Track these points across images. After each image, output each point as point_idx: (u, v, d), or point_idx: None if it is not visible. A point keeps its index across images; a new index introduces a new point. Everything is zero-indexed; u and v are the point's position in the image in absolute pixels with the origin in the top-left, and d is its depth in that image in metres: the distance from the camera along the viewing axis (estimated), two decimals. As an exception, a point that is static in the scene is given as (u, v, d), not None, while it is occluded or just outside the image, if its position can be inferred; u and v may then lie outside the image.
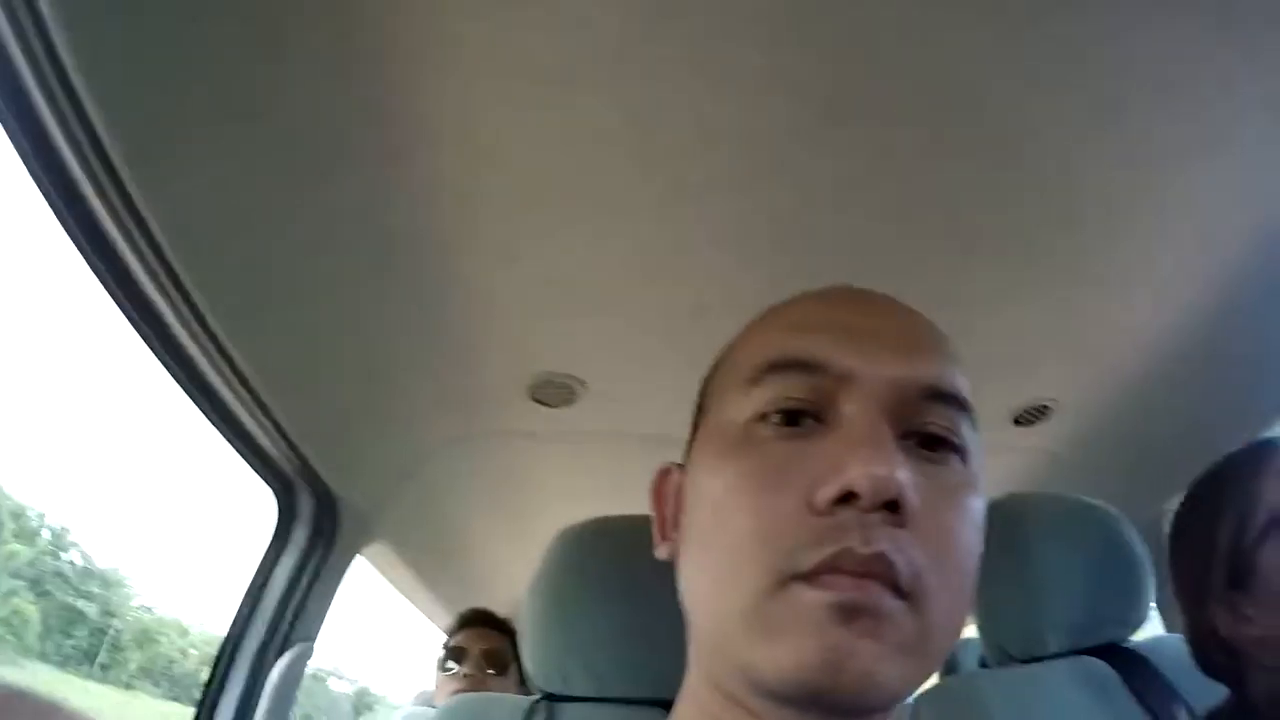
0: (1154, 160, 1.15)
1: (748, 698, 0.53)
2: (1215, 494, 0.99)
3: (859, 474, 0.48)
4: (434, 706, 2.09)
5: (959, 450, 0.55)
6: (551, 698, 0.97)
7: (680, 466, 0.65)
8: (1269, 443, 1.00)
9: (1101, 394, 1.69)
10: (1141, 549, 1.18)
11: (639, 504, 0.75)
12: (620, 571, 0.92)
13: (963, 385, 0.56)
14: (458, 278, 1.33)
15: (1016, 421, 1.76)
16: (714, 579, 0.54)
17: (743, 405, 0.56)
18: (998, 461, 1.88)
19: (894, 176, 1.18)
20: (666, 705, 0.65)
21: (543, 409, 1.59)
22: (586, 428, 1.67)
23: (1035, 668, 1.14)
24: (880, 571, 0.48)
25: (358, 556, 1.84)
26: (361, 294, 1.29)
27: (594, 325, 1.41)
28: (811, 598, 0.48)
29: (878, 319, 0.58)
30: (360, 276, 1.27)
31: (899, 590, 0.48)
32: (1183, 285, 1.40)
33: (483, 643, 2.08)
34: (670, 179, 1.16)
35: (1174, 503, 1.80)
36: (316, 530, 1.65)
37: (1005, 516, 1.16)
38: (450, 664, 2.07)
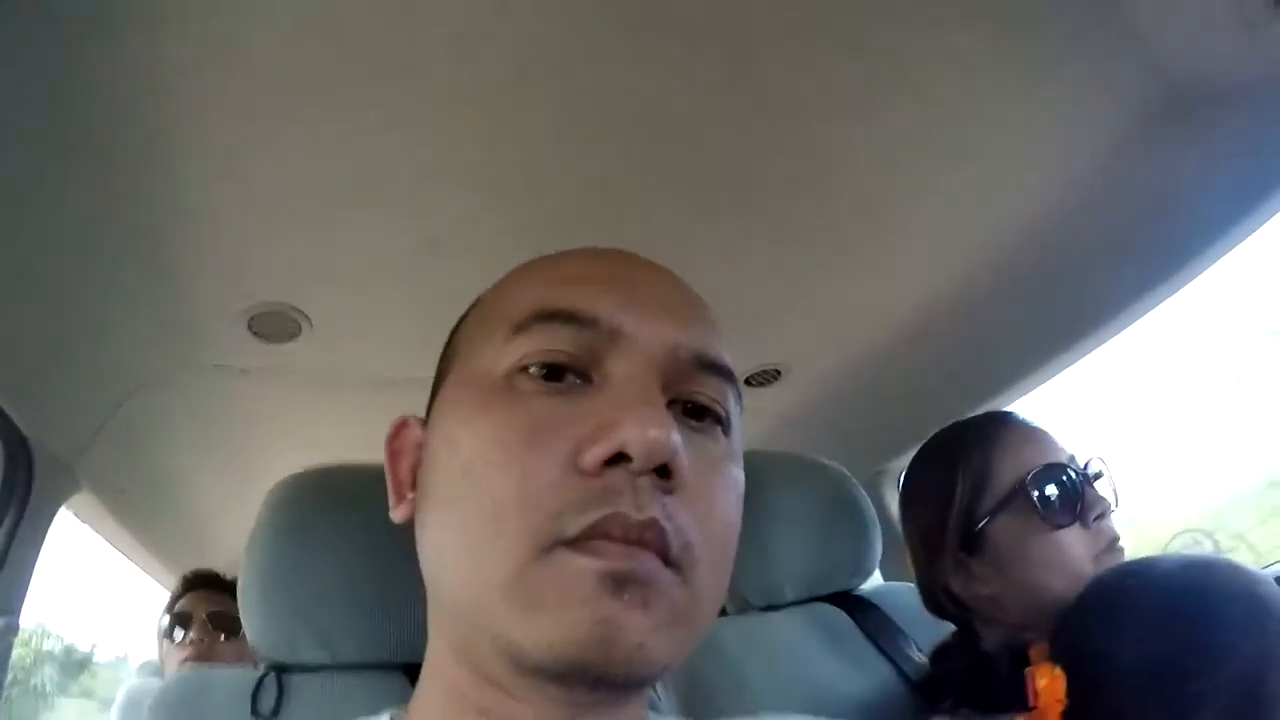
0: (904, 155, 1.22)
1: (505, 675, 0.49)
2: (950, 458, 1.04)
3: (634, 435, 0.45)
4: (161, 677, 1.94)
5: (723, 422, 0.54)
6: (281, 669, 0.87)
7: (421, 420, 0.60)
8: (1005, 415, 1.07)
9: (831, 361, 1.79)
10: (868, 504, 1.27)
11: (369, 452, 0.69)
12: (348, 526, 0.83)
13: (729, 357, 0.55)
14: (167, 191, 1.16)
15: (749, 382, 1.83)
16: (467, 544, 0.49)
17: (502, 355, 0.52)
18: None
19: (650, 130, 1.16)
20: (412, 670, 0.62)
21: (262, 344, 1.45)
22: (310, 367, 1.54)
23: (773, 615, 1.20)
24: (652, 539, 0.46)
25: (63, 510, 1.63)
26: (51, 204, 1.11)
27: (318, 254, 1.29)
28: (580, 565, 0.45)
29: (652, 282, 0.57)
30: (51, 185, 1.08)
31: (668, 560, 0.46)
32: (918, 270, 1.51)
33: (208, 605, 1.93)
34: (406, 91, 1.04)
35: (895, 463, 2.02)
36: (8, 482, 1.42)
37: (761, 472, 1.22)
38: (176, 630, 1.91)
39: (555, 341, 0.51)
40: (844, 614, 1.22)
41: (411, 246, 1.30)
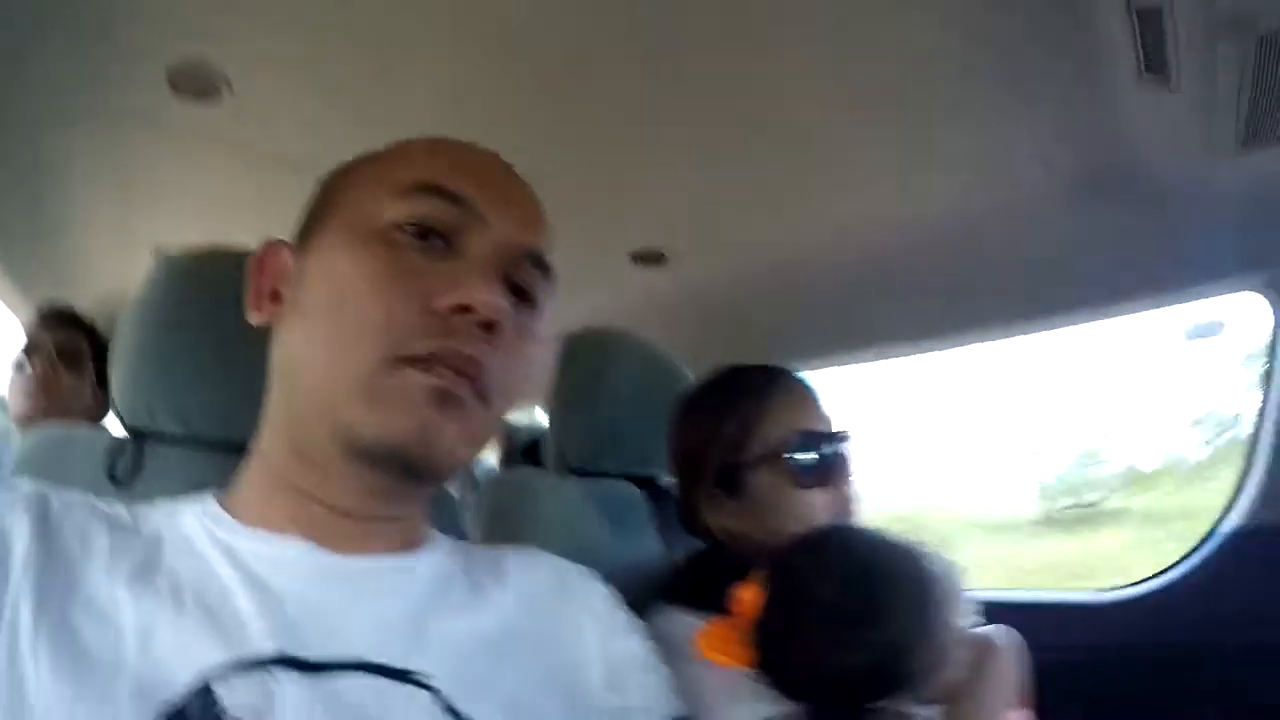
0: (827, 114, 1.43)
1: (333, 459, 0.62)
2: (729, 398, 1.14)
3: (480, 296, 0.61)
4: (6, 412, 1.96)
5: (536, 304, 0.70)
6: (138, 435, 0.90)
7: (290, 246, 0.72)
8: (784, 374, 1.16)
9: (713, 257, 1.95)
10: None
11: (263, 231, 0.76)
12: (223, 310, 0.81)
13: (545, 249, 0.72)
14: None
15: (634, 259, 1.98)
16: (331, 350, 0.62)
17: (386, 209, 0.64)
18: (616, 293, 2.12)
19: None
20: None
21: (179, 100, 1.42)
22: (225, 134, 1.53)
23: (585, 480, 1.33)
24: (472, 372, 0.61)
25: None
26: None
27: (244, 12, 1.26)
28: (417, 379, 0.59)
29: (514, 184, 0.72)
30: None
31: (478, 390, 0.62)
32: (816, 214, 1.76)
33: (56, 336, 1.95)
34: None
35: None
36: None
37: (592, 348, 1.38)
38: (24, 362, 1.93)
39: (432, 209, 0.65)
40: (643, 497, 1.35)
41: (341, 40, 1.30)
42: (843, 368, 2.28)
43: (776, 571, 0.91)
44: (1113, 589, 1.99)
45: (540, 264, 0.70)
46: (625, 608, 0.81)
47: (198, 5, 1.25)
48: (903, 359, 2.26)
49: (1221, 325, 1.96)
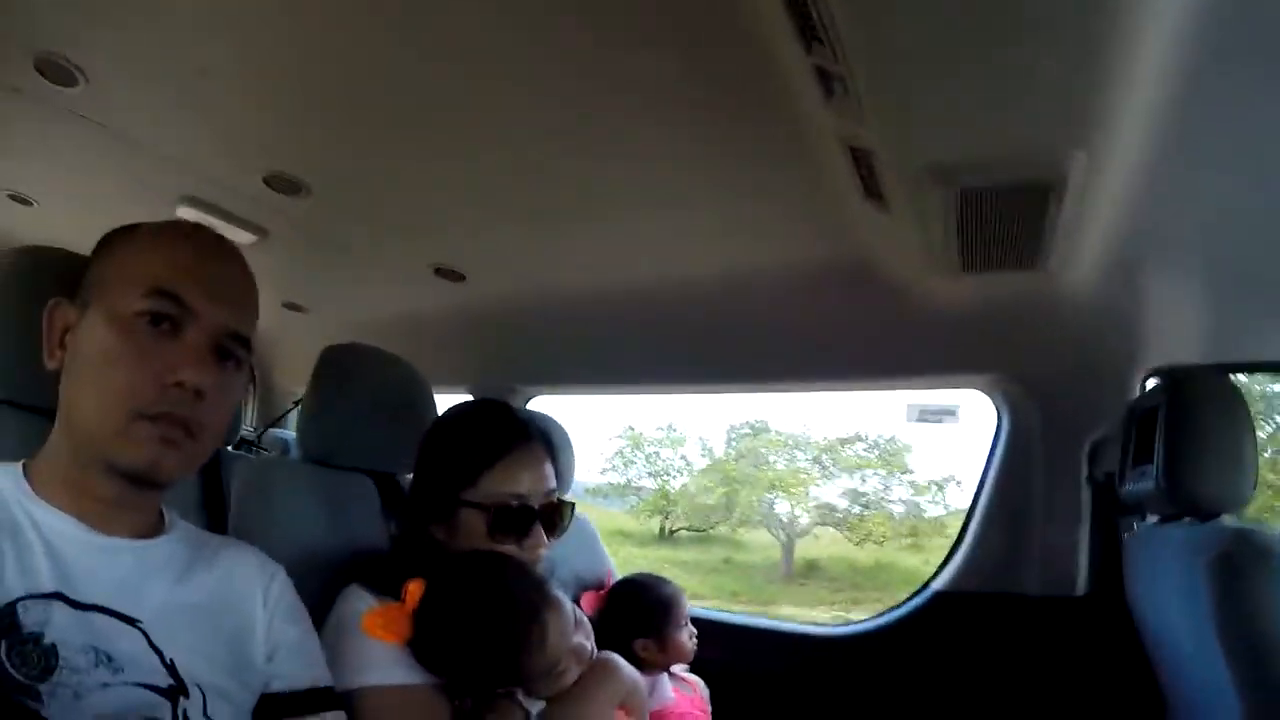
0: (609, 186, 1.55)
1: (96, 471, 0.90)
2: (472, 437, 1.32)
3: (189, 375, 0.89)
4: None
5: (240, 364, 0.97)
6: None
7: (73, 302, 0.95)
8: (526, 432, 1.33)
9: (503, 281, 2.10)
10: (431, 406, 1.54)
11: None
12: (42, 301, 0.97)
13: (248, 327, 0.97)
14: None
15: (437, 273, 2.09)
16: (93, 404, 0.89)
17: (133, 303, 0.90)
18: (416, 296, 2.22)
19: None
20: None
21: (45, 83, 1.48)
22: (81, 112, 1.57)
23: (325, 470, 1.46)
24: (184, 423, 0.89)
25: None
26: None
27: (100, 14, 1.31)
28: (150, 430, 0.88)
29: (228, 283, 0.97)
30: None
31: (190, 433, 0.90)
32: (599, 255, 1.90)
33: None
34: None
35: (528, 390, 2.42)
36: None
37: (342, 357, 1.52)
38: None
39: (163, 307, 0.90)
40: (375, 488, 1.50)
41: (193, 40, 1.35)
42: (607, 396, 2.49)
43: (438, 577, 1.17)
44: (828, 626, 2.24)
45: (241, 340, 0.96)
46: (296, 600, 1.07)
47: (56, 3, 1.30)
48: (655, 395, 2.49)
49: (956, 410, 2.17)
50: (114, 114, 1.58)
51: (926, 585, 2.13)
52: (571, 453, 2.06)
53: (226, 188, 1.78)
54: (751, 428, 10.53)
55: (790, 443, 10.58)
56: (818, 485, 10.30)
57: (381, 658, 1.12)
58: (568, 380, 2.48)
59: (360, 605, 1.15)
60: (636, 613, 1.72)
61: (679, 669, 1.81)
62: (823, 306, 1.92)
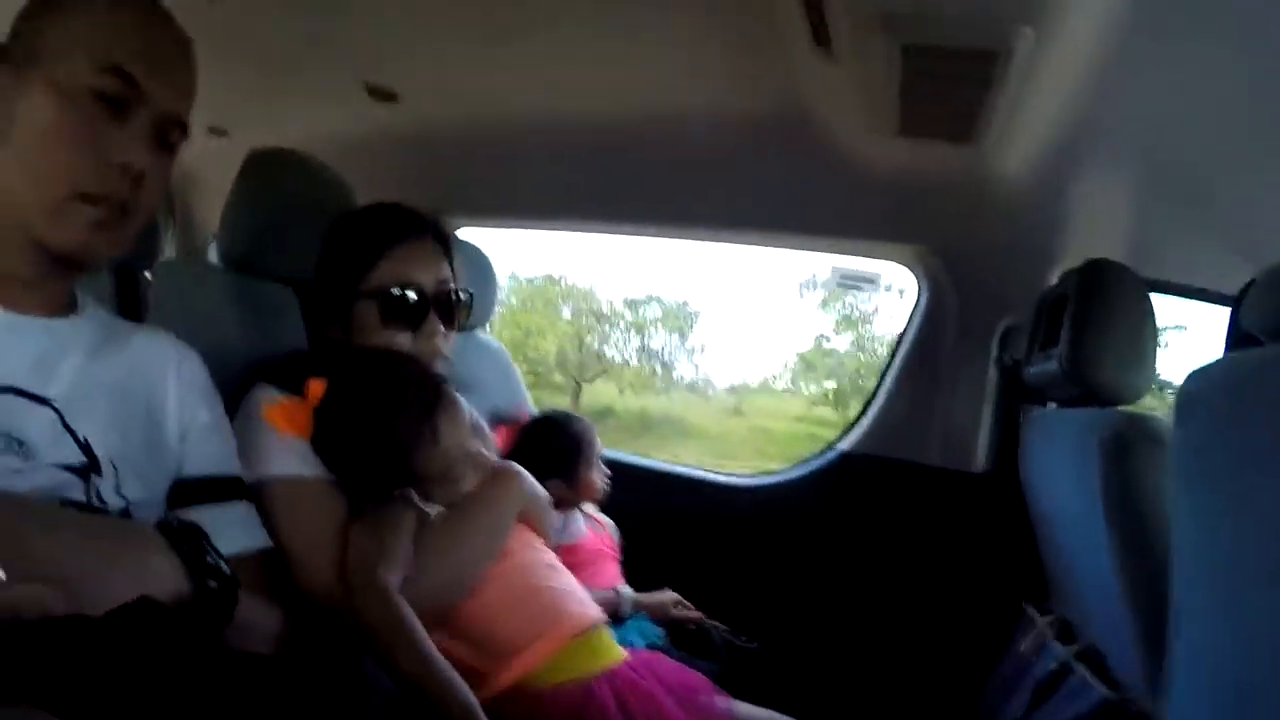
0: None
1: (21, 251, 0.87)
2: (361, 233, 1.30)
3: (133, 158, 0.86)
4: None
5: (174, 149, 0.93)
6: None
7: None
8: (419, 223, 1.32)
9: (438, 103, 2.02)
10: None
11: None
12: None
13: (188, 112, 0.93)
14: None
15: (370, 92, 1.99)
16: (29, 179, 0.84)
17: (81, 76, 0.84)
18: (352, 121, 2.14)
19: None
20: None
21: None
22: None
23: (246, 278, 1.42)
24: (121, 206, 0.87)
25: None
26: None
27: None
28: (87, 211, 0.85)
29: (177, 64, 0.93)
30: None
31: (125, 212, 0.88)
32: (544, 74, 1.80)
33: None
34: None
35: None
36: None
37: (268, 163, 1.47)
38: None
39: (113, 87, 0.85)
40: (293, 296, 1.46)
41: None
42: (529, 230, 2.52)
43: (337, 375, 1.16)
44: (738, 475, 2.32)
45: (181, 125, 0.93)
46: (209, 384, 1.06)
47: None
48: (575, 233, 2.49)
49: (876, 279, 2.18)
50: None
51: (833, 444, 2.20)
52: (494, 282, 2.04)
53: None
54: (548, 279, 10.43)
55: (582, 296, 10.56)
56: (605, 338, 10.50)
57: (282, 450, 1.12)
58: (493, 212, 2.41)
59: (266, 398, 1.16)
60: (549, 449, 1.73)
61: (590, 509, 1.85)
62: (757, 157, 1.89)
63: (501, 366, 2.08)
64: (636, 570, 1.79)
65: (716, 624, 1.82)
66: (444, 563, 1.12)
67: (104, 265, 0.95)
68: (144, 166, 0.87)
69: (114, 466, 0.87)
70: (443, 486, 1.18)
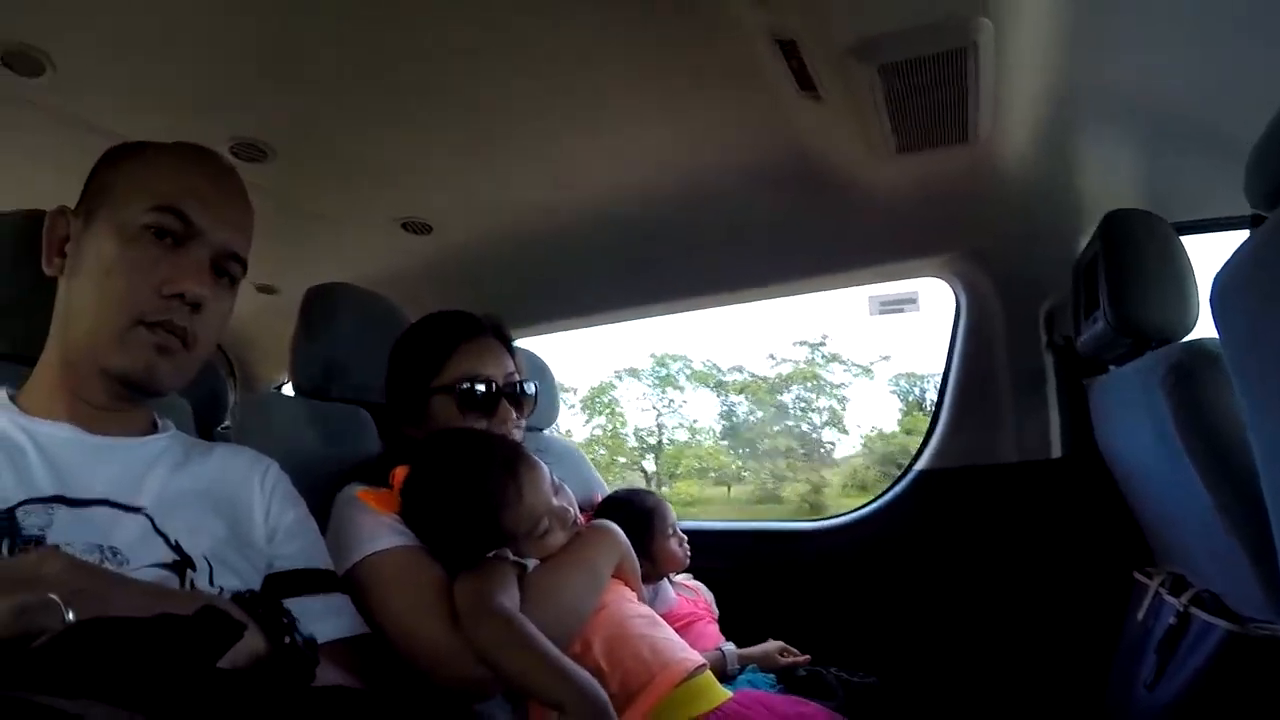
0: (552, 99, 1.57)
1: (92, 376, 0.94)
2: (426, 339, 1.41)
3: (190, 288, 0.93)
4: None
5: (234, 281, 1.03)
6: None
7: (74, 212, 1.00)
8: (476, 321, 1.43)
9: (470, 230, 2.15)
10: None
11: (77, 189, 1.02)
12: (28, 259, 1.02)
13: (245, 248, 1.02)
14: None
15: (404, 228, 2.12)
16: (96, 310, 0.93)
17: (139, 217, 0.93)
18: (391, 257, 2.28)
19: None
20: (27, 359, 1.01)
21: (10, 75, 1.49)
22: (48, 103, 1.59)
23: (314, 403, 1.52)
24: (181, 333, 0.94)
25: None
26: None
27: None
28: (148, 337, 0.93)
29: (231, 204, 1.01)
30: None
31: (186, 344, 0.95)
32: (551, 187, 1.91)
33: None
34: None
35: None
36: None
37: (325, 297, 1.58)
38: None
39: (169, 223, 0.95)
40: (366, 415, 1.55)
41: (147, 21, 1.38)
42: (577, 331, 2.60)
43: (417, 457, 1.24)
44: (819, 519, 2.31)
45: (238, 259, 1.01)
46: (291, 488, 1.11)
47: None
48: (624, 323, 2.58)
49: (915, 298, 2.21)
50: (83, 99, 1.58)
51: (910, 467, 2.19)
52: (553, 383, 2.12)
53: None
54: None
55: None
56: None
57: (378, 527, 1.18)
58: (538, 319, 2.53)
59: (355, 491, 1.23)
60: (622, 524, 1.76)
61: (681, 578, 1.86)
62: (776, 210, 1.96)
63: (573, 459, 2.14)
64: (738, 629, 1.79)
65: (829, 668, 1.79)
66: (544, 610, 1.14)
67: (170, 390, 1.00)
68: (201, 294, 0.94)
69: (207, 562, 0.91)
70: (532, 543, 1.22)
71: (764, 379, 8.57)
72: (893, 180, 1.80)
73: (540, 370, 2.07)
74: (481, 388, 1.35)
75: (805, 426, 8.52)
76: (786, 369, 8.51)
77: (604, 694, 1.01)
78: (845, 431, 8.41)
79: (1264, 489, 0.96)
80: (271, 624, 0.74)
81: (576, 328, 2.61)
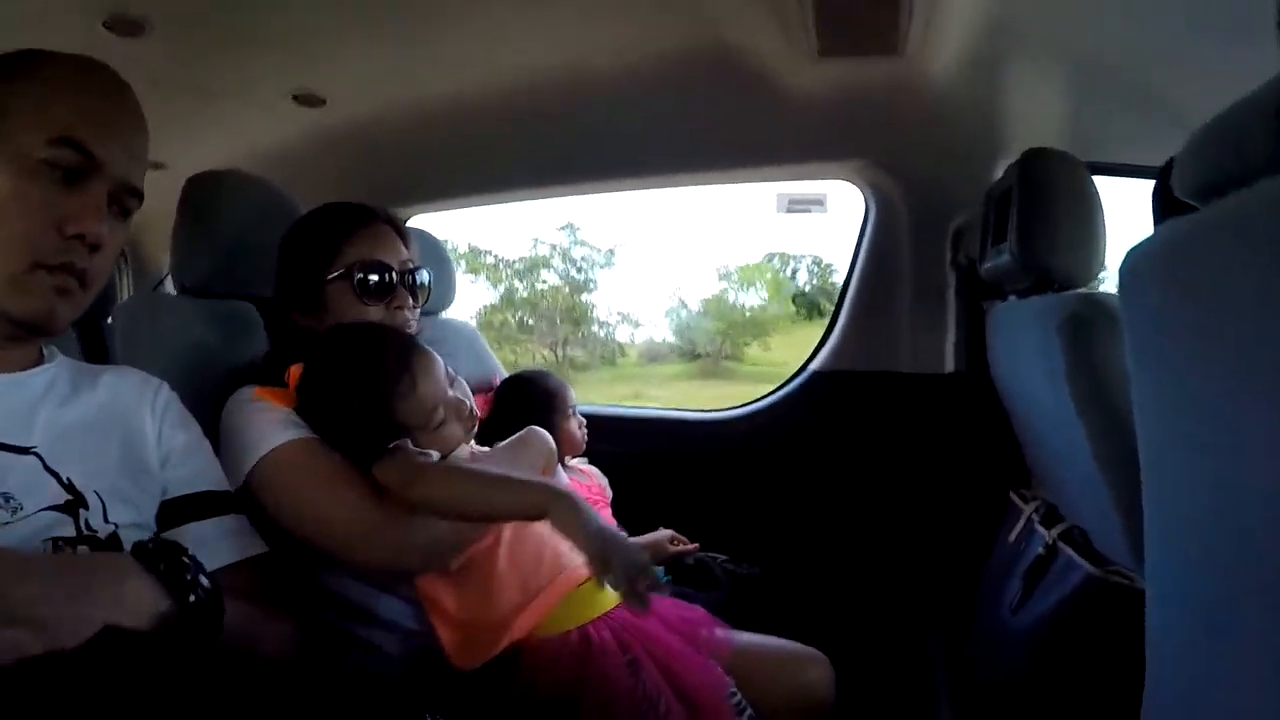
0: None
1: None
2: (320, 231, 1.33)
3: (90, 228, 0.87)
4: None
5: (129, 214, 0.96)
6: None
7: None
8: (369, 212, 1.36)
9: (364, 101, 1.98)
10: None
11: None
12: None
13: (142, 178, 0.95)
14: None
15: (295, 100, 1.94)
16: None
17: (35, 150, 0.85)
18: (278, 130, 2.09)
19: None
20: None
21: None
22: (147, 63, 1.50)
23: (202, 300, 1.43)
24: (80, 275, 0.89)
25: None
26: None
27: None
28: (48, 280, 0.87)
29: (130, 131, 0.94)
30: None
31: (83, 283, 0.90)
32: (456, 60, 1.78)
33: None
34: None
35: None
36: None
37: (209, 187, 1.48)
38: None
39: (67, 158, 0.86)
40: (256, 312, 1.47)
41: None
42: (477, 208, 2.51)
43: (313, 350, 1.20)
44: (715, 410, 2.32)
45: (136, 193, 0.95)
46: (182, 409, 1.07)
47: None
48: (523, 202, 2.50)
49: (824, 200, 2.17)
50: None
51: (804, 366, 2.21)
52: (450, 265, 2.02)
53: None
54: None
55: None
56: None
57: (277, 424, 1.14)
58: (436, 196, 2.41)
59: (249, 393, 1.19)
60: (523, 405, 1.72)
61: (575, 462, 1.84)
62: (689, 98, 1.87)
63: (470, 342, 2.07)
64: (629, 516, 1.78)
65: (715, 555, 1.83)
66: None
67: (67, 328, 0.95)
68: (102, 236, 0.88)
69: (99, 497, 0.88)
70: (428, 435, 1.18)
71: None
72: (811, 81, 1.73)
73: (436, 252, 1.96)
74: (375, 276, 1.30)
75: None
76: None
77: (565, 484, 1.07)
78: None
79: (1142, 452, 0.97)
80: (175, 580, 0.77)
81: (475, 205, 2.51)
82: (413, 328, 1.33)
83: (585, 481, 1.82)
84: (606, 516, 1.76)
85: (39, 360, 0.98)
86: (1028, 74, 1.69)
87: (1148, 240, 0.91)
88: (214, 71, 1.81)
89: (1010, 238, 1.45)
